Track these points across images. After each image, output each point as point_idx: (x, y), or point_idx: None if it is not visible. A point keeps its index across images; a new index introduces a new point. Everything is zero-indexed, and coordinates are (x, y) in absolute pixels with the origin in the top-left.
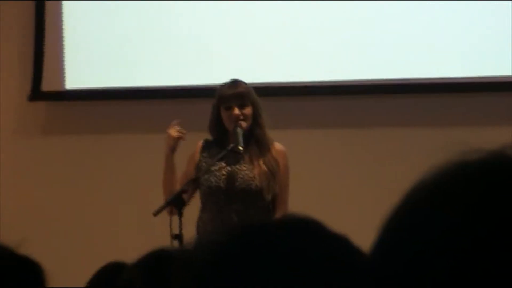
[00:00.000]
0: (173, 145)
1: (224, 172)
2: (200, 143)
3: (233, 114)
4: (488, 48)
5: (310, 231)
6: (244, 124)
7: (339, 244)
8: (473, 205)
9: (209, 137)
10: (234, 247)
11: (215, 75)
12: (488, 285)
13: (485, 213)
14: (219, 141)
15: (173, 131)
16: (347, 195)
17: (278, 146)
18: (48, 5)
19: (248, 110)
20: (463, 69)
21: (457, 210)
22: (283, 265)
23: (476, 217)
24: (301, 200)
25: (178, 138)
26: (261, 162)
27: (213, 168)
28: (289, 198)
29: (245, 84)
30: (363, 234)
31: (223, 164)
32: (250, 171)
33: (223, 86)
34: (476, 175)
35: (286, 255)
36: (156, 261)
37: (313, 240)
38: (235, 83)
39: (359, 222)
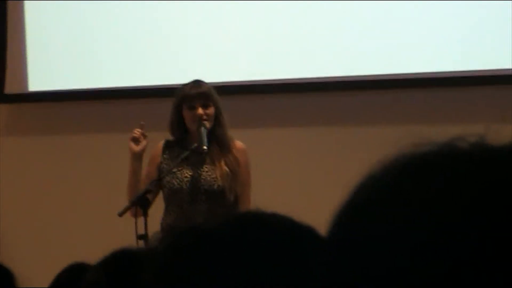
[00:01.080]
0: (134, 152)
1: (186, 174)
2: (161, 143)
3: (197, 114)
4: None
5: (277, 222)
6: (207, 124)
7: (306, 234)
8: (421, 198)
9: (169, 137)
10: (192, 240)
11: (178, 75)
12: (436, 277)
13: (433, 205)
14: (181, 142)
15: (131, 145)
16: (315, 192)
17: (238, 144)
18: (10, 6)
19: (211, 110)
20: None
21: (405, 202)
22: (241, 255)
23: (423, 209)
24: (269, 197)
25: (134, 139)
26: (222, 162)
27: (175, 170)
28: (253, 196)
29: (207, 84)
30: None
31: (185, 166)
32: (212, 172)
33: (185, 86)
34: (425, 166)
35: (254, 246)
36: (119, 260)
37: (281, 230)
38: (197, 83)
39: (316, 216)
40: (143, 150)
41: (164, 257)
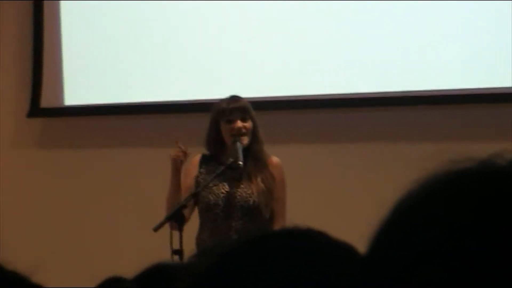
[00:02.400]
0: (175, 166)
1: (222, 190)
2: (198, 157)
3: (236, 127)
4: (487, 60)
5: (313, 239)
6: (245, 139)
7: (345, 252)
8: (463, 214)
9: (205, 151)
10: (236, 256)
11: (212, 90)
12: None
13: (475, 222)
14: (217, 156)
15: (172, 152)
16: (345, 208)
17: (274, 160)
18: (47, 22)
19: (249, 124)
20: (462, 81)
21: (446, 218)
22: (286, 272)
23: (465, 226)
24: (301, 214)
25: (175, 160)
26: (258, 179)
27: (211, 185)
28: (287, 212)
29: (244, 99)
30: (362, 244)
31: (222, 181)
32: (248, 188)
33: (222, 100)
34: (466, 183)
35: (289, 263)
36: (155, 274)
37: (316, 247)
38: (235, 97)
39: (356, 233)
40: (180, 165)
41: (204, 275)
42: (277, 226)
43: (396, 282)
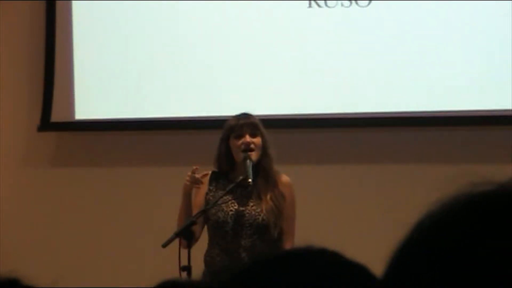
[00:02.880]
0: (186, 191)
1: (231, 208)
2: (208, 174)
3: (245, 141)
4: (493, 81)
5: (328, 259)
6: (254, 155)
7: (359, 272)
8: (483, 237)
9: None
10: (254, 275)
11: (226, 107)
12: None
13: (496, 245)
14: (227, 174)
15: (187, 179)
16: (355, 229)
17: (284, 178)
18: (58, 35)
19: (258, 140)
20: (480, 102)
21: (466, 241)
22: None
23: (486, 249)
24: (309, 233)
25: (186, 186)
26: (268, 197)
27: (220, 202)
28: (296, 231)
29: (254, 116)
30: (371, 265)
31: (231, 199)
32: (257, 206)
33: (233, 118)
34: (487, 206)
35: (305, 282)
36: None
37: (334, 268)
38: (245, 114)
39: (366, 254)
40: (191, 190)
41: None
42: (286, 245)
43: None
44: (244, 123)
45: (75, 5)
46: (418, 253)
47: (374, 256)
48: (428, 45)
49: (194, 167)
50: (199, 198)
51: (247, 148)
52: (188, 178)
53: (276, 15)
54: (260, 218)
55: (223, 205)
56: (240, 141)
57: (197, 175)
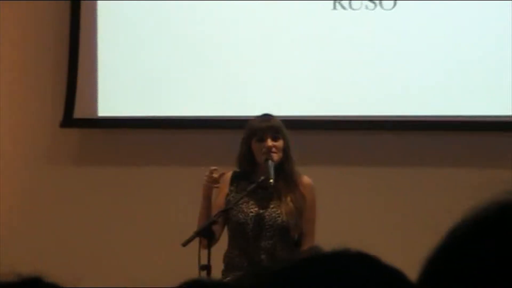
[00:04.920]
0: (205, 192)
1: (252, 209)
2: (229, 174)
3: (267, 145)
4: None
5: (367, 264)
6: (276, 156)
7: (395, 277)
8: None
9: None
10: (289, 277)
11: (245, 107)
12: None
13: None
14: (248, 174)
15: (206, 181)
16: (373, 232)
17: (305, 179)
18: (83, 33)
19: (280, 143)
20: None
21: (500, 250)
22: None
23: None
24: (328, 235)
25: (206, 186)
26: (288, 199)
27: (241, 203)
28: (316, 233)
29: (276, 118)
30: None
31: (252, 200)
32: (277, 208)
33: (255, 119)
34: None
35: (347, 285)
36: None
37: (371, 272)
38: (267, 116)
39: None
40: (211, 191)
41: None
42: (305, 246)
43: None
44: (266, 127)
45: (100, 3)
46: (452, 261)
47: (394, 259)
48: (456, 49)
49: (213, 168)
50: (220, 198)
51: (269, 152)
52: (205, 177)
53: (300, 15)
54: (280, 220)
55: (244, 206)
56: (262, 145)
57: (215, 175)
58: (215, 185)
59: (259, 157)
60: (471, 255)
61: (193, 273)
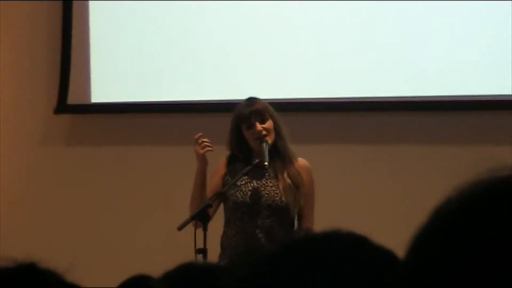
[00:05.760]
0: (203, 161)
1: (250, 187)
2: (225, 157)
3: (257, 130)
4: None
5: (357, 244)
6: (269, 139)
7: (386, 257)
8: (503, 223)
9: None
10: (280, 259)
11: (236, 90)
12: None
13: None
14: (244, 158)
15: (199, 149)
16: (369, 211)
17: (302, 161)
18: (75, 20)
19: (269, 124)
20: (481, 87)
21: (489, 225)
22: (330, 278)
23: (506, 234)
24: (325, 215)
25: (204, 154)
26: (285, 175)
27: (239, 183)
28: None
29: (260, 100)
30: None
31: (249, 179)
32: (275, 187)
33: (239, 106)
34: (505, 192)
35: (332, 268)
36: (184, 273)
37: (362, 251)
38: (250, 100)
39: (382, 236)
40: (206, 162)
41: (248, 279)
42: (304, 227)
43: None
44: (251, 112)
45: None
46: (437, 240)
47: (389, 238)
48: (443, 29)
49: (198, 135)
50: (216, 179)
51: (260, 137)
52: (197, 147)
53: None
54: (279, 199)
55: (242, 185)
56: (252, 131)
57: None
58: (209, 149)
59: (252, 143)
60: (455, 235)
61: (189, 256)
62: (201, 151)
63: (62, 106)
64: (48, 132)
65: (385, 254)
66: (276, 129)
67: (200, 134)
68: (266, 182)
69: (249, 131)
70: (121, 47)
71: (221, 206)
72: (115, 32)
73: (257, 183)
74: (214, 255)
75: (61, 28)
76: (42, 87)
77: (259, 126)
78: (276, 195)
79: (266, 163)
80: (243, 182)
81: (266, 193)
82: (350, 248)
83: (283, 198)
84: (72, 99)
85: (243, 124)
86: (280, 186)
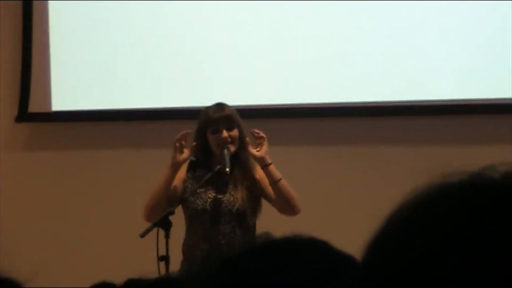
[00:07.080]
0: (176, 168)
1: (209, 195)
2: (186, 162)
3: (222, 137)
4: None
5: (317, 250)
6: (232, 147)
7: (346, 262)
8: (454, 226)
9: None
10: (239, 266)
11: (199, 97)
12: None
13: (465, 234)
14: (205, 163)
15: (178, 156)
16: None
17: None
18: (35, 27)
19: (235, 133)
20: (459, 91)
21: (437, 231)
22: (292, 280)
23: (456, 238)
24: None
25: (183, 163)
26: (244, 186)
27: (199, 191)
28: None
29: (230, 107)
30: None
31: (209, 187)
32: (234, 194)
33: (208, 109)
34: (457, 197)
35: (295, 273)
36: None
37: (321, 258)
38: (220, 106)
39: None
40: (185, 160)
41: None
42: (276, 206)
43: None
44: (220, 118)
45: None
46: (391, 245)
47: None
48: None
49: (185, 131)
50: (175, 182)
51: (225, 143)
52: (176, 150)
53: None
54: (236, 207)
55: (202, 193)
56: (217, 136)
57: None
58: (183, 142)
59: (215, 148)
60: (405, 240)
61: (152, 264)
62: (181, 159)
63: (23, 115)
64: (9, 140)
65: (345, 259)
66: (241, 139)
67: (184, 132)
68: (226, 190)
69: (213, 135)
70: (81, 54)
71: (181, 212)
72: (75, 39)
73: (217, 191)
74: (177, 262)
75: (22, 36)
76: (3, 95)
77: (225, 133)
78: (233, 202)
79: (227, 169)
80: (203, 189)
81: (225, 200)
82: (310, 252)
83: (240, 206)
84: (33, 107)
85: (209, 128)
86: (238, 195)
